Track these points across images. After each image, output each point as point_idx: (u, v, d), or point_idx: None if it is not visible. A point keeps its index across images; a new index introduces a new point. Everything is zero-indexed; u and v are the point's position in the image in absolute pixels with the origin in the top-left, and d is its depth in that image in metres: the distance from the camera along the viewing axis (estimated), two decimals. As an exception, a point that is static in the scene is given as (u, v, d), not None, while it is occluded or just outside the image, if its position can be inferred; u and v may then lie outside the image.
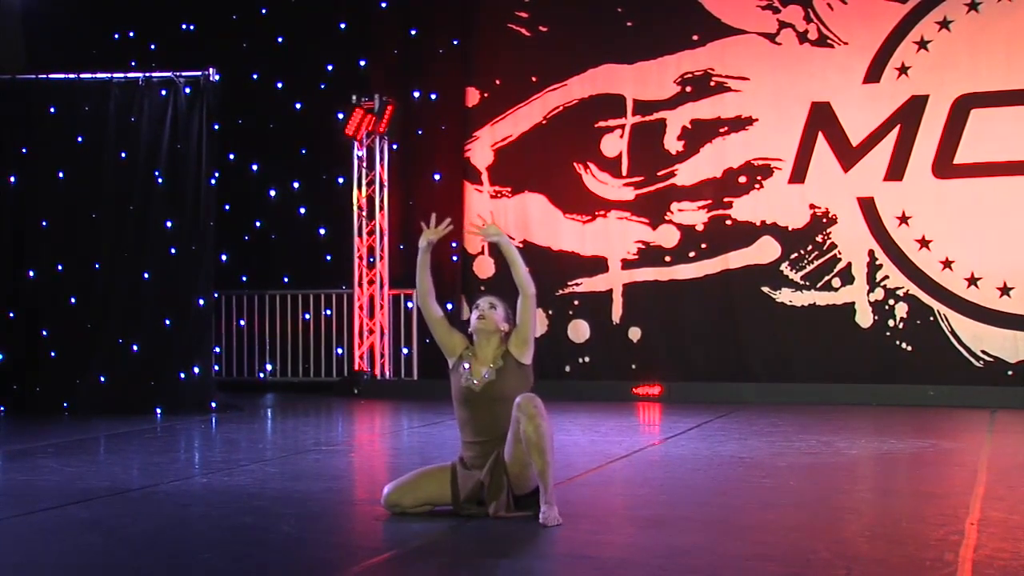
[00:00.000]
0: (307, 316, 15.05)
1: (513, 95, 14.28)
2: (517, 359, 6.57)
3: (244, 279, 15.22)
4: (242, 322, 15.20)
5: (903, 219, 13.00)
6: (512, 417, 6.29)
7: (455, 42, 14.63)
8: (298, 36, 15.07)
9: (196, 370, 12.70)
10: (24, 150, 12.98)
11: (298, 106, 15.13)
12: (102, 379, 12.60)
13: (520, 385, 6.50)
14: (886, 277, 13.04)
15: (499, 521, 6.36)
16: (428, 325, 6.80)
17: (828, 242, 13.23)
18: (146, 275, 12.67)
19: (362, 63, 14.98)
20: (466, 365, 6.58)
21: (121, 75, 12.95)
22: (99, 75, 12.97)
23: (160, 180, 12.75)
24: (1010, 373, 12.65)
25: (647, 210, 13.82)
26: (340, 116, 14.45)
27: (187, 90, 12.74)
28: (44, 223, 12.88)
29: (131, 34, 15.20)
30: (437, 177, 14.79)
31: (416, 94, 14.82)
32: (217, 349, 14.21)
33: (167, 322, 12.66)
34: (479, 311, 6.62)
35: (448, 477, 6.54)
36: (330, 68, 15.04)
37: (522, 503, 6.44)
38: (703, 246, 13.65)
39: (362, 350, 14.61)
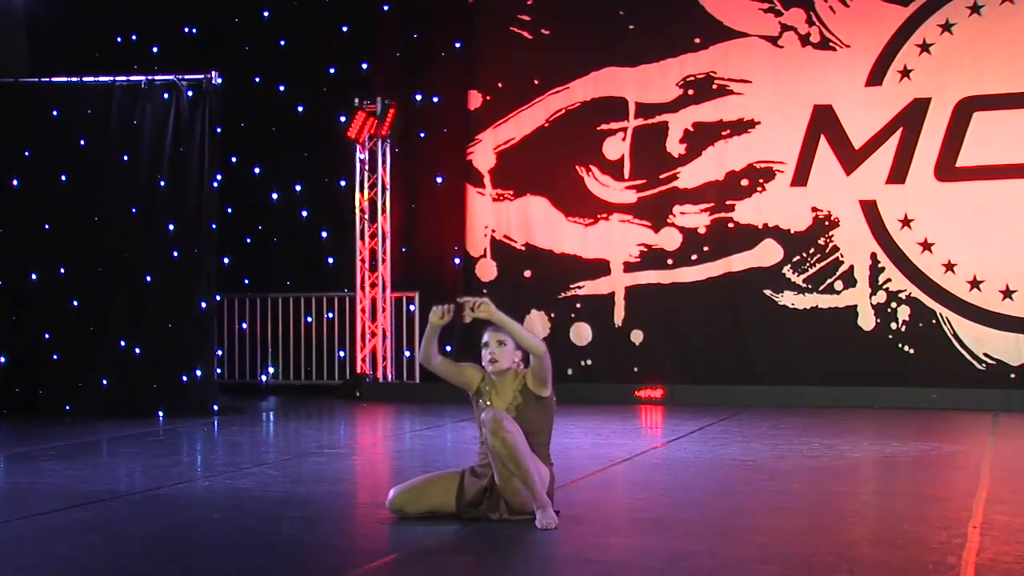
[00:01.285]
0: (309, 319, 15.04)
1: (515, 98, 14.26)
2: (536, 393, 6.51)
3: (246, 282, 15.21)
4: (244, 325, 15.18)
5: (905, 222, 12.98)
6: (482, 437, 6.33)
7: (457, 45, 14.62)
8: (300, 39, 15.08)
9: (198, 373, 12.69)
10: (27, 153, 12.99)
11: (300, 109, 15.13)
12: (104, 382, 12.59)
13: (541, 416, 6.49)
14: (888, 280, 13.02)
15: (501, 524, 6.35)
16: (435, 374, 6.70)
17: (830, 245, 13.21)
18: (148, 278, 12.67)
19: (364, 66, 14.97)
20: (487, 401, 6.53)
21: (123, 78, 12.95)
22: (102, 78, 12.99)
23: (162, 183, 12.74)
24: (1013, 376, 12.61)
25: (649, 213, 13.80)
26: (342, 119, 14.42)
27: (189, 93, 12.75)
28: (47, 226, 12.88)
29: (133, 37, 15.18)
30: (439, 180, 14.79)
31: (418, 97, 14.81)
32: (219, 352, 14.16)
33: (169, 325, 12.64)
34: (489, 352, 6.52)
35: (455, 485, 6.52)
36: (332, 71, 15.05)
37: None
38: (705, 249, 13.63)
39: (364, 353, 14.60)
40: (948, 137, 12.81)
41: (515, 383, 6.53)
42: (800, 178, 13.31)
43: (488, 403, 6.50)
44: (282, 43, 15.18)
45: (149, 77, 12.94)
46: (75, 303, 12.77)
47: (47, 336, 12.82)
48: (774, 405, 12.73)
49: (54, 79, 13.05)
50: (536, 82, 14.18)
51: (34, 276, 12.89)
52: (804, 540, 6.08)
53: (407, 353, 14.72)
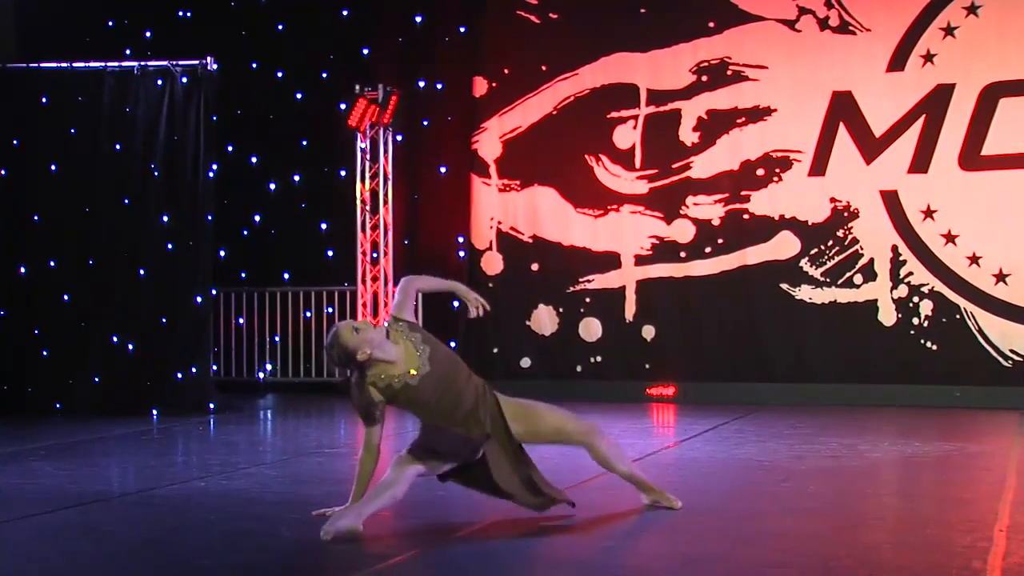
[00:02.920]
0: (308, 314, 14.90)
1: (522, 85, 14.10)
2: (411, 320, 6.49)
3: (243, 276, 15.10)
4: (241, 320, 15.07)
5: (928, 213, 12.78)
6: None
7: (462, 30, 14.47)
8: (299, 24, 14.93)
9: (194, 370, 12.72)
10: (15, 142, 12.94)
11: (299, 96, 14.97)
12: (96, 379, 12.60)
13: (446, 356, 6.44)
14: (910, 273, 12.82)
15: (507, 527, 6.40)
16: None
17: (849, 237, 13.02)
18: (142, 271, 12.67)
19: (365, 52, 14.79)
20: (395, 382, 6.38)
21: (116, 64, 12.92)
22: (93, 64, 12.93)
23: (156, 173, 12.73)
24: (1040, 373, 12.47)
25: (661, 204, 13.63)
26: (343, 107, 14.22)
27: (184, 80, 12.71)
28: (36, 217, 12.83)
29: (126, 21, 15.05)
30: (443, 170, 14.63)
31: (422, 84, 14.64)
32: (215, 348, 14.16)
33: (164, 320, 12.67)
34: (366, 357, 6.33)
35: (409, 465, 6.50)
36: (332, 57, 14.88)
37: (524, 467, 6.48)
38: (719, 241, 13.45)
39: (366, 350, 14.38)
40: (973, 124, 12.59)
41: (404, 339, 6.37)
42: (818, 167, 13.12)
43: (413, 372, 6.33)
44: (280, 28, 15.00)
45: (142, 63, 12.90)
46: (66, 298, 12.74)
47: (37, 332, 12.77)
48: (790, 403, 12.65)
49: (43, 64, 12.97)
50: (544, 68, 14.00)
51: (23, 270, 12.84)
52: (822, 544, 6.07)
53: (410, 350, 14.49)
